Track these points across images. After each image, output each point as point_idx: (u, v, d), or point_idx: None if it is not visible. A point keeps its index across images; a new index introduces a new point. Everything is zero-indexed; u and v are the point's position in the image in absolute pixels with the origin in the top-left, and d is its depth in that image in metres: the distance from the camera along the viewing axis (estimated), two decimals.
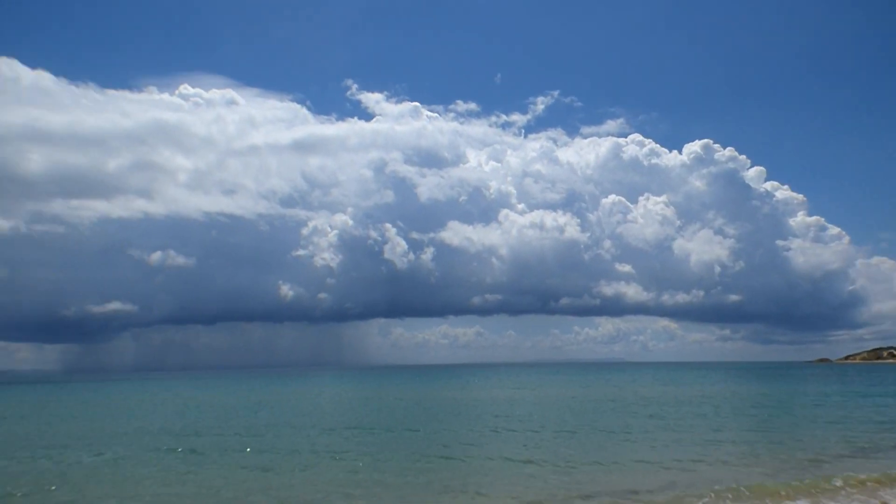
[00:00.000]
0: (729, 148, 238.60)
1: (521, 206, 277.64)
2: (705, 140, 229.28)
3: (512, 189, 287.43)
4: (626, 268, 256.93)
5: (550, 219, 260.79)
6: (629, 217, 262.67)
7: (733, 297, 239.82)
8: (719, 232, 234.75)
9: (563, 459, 19.05)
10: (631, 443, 22.62)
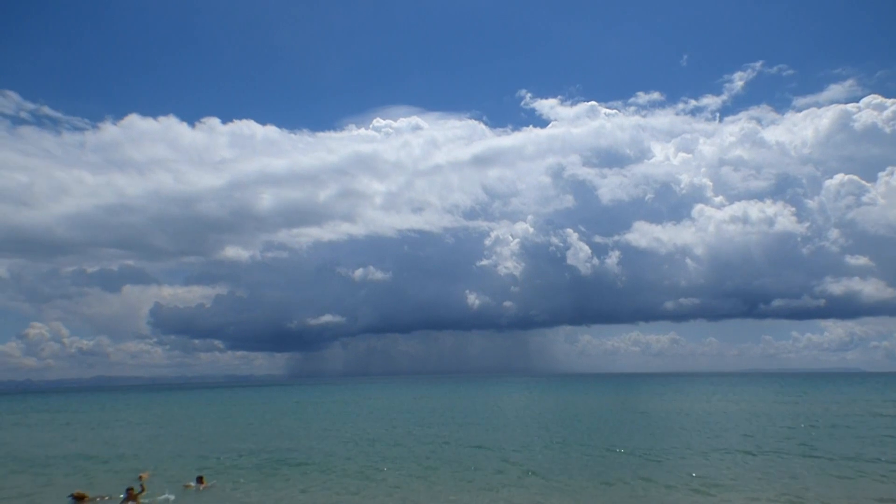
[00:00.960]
0: None
1: (718, 199, 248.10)
2: None
3: (706, 181, 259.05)
4: (862, 260, 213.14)
5: (756, 210, 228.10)
6: (865, 199, 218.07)
7: None
8: None
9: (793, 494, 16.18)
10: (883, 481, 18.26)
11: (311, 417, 46.24)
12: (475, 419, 40.67)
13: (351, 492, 17.66)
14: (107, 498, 17.62)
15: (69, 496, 17.36)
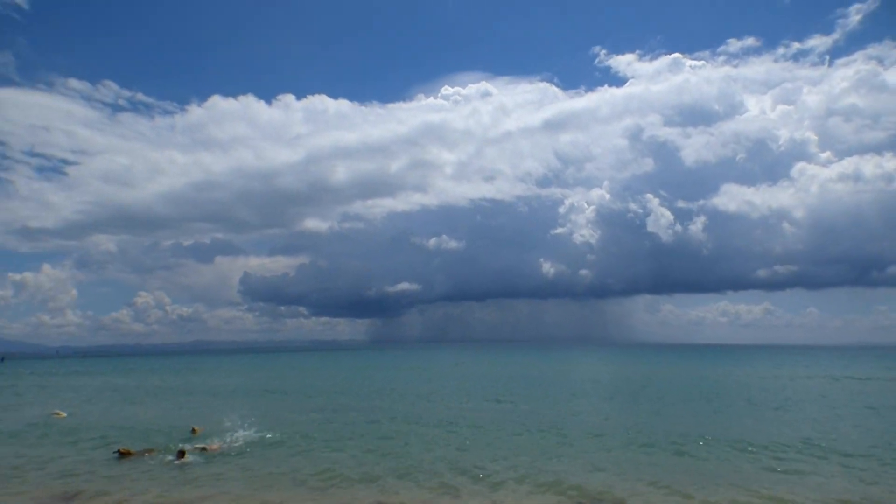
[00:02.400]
0: None
1: (824, 156, 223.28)
2: None
3: (810, 135, 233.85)
4: None
5: (871, 166, 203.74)
6: None
7: None
8: None
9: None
10: None
11: (398, 378, 47.13)
12: (562, 387, 39.47)
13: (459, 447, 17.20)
14: (152, 452, 17.91)
15: (115, 452, 17.73)
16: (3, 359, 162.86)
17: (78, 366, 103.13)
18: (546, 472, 14.66)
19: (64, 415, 28.69)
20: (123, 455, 17.16)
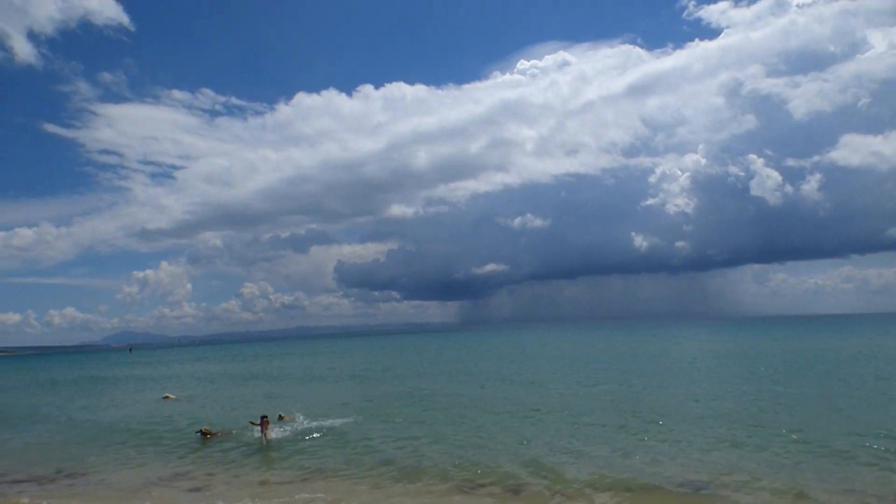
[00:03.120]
0: None
1: None
2: None
3: None
4: None
5: None
6: None
7: None
8: None
9: None
10: None
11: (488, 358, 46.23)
12: (663, 366, 36.47)
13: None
14: (232, 432, 18.24)
15: (197, 432, 18.19)
16: (131, 349, 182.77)
17: (194, 353, 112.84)
18: (645, 473, 12.24)
19: (174, 397, 30.61)
20: (205, 435, 17.59)
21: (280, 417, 20.48)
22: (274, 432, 17.29)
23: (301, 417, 20.37)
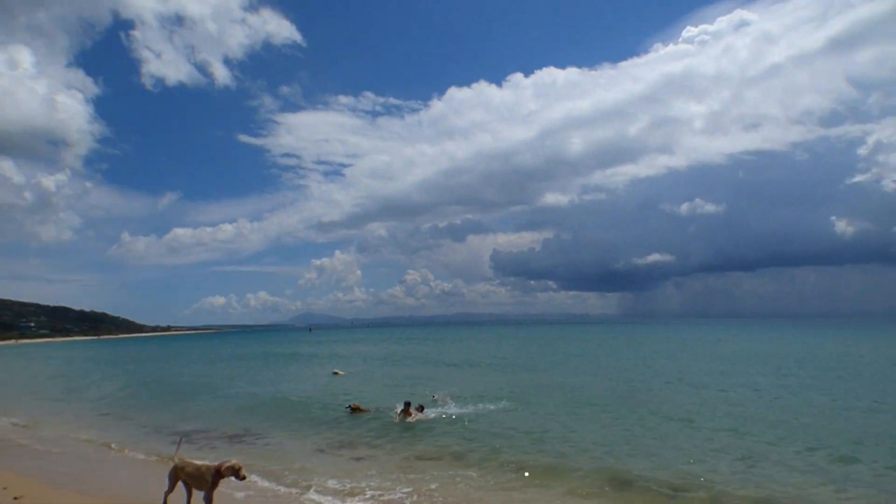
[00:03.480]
0: None
1: None
2: None
3: None
4: None
5: None
6: None
7: None
8: None
9: None
10: None
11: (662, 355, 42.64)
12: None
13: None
14: (380, 410, 18.65)
15: (346, 407, 18.77)
16: (311, 329, 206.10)
17: (362, 335, 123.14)
18: None
19: (342, 373, 33.29)
20: (354, 411, 18.42)
21: (434, 399, 20.73)
22: (419, 415, 17.47)
23: (450, 401, 20.44)
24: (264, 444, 15.51)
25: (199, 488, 8.92)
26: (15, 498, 10.13)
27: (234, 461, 8.73)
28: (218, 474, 8.66)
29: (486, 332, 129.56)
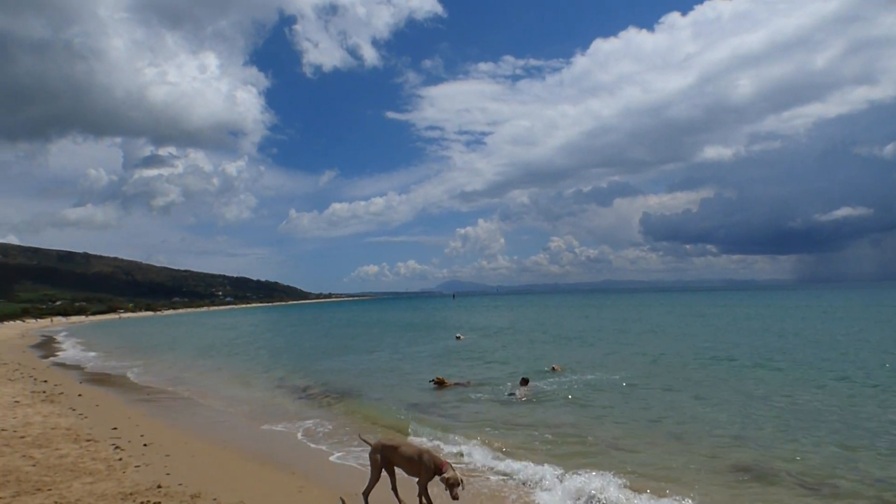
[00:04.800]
0: None
1: None
2: None
3: None
4: None
5: None
6: None
7: None
8: None
9: None
10: None
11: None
12: None
13: None
14: (466, 384, 17.33)
15: (430, 381, 17.44)
16: (454, 296, 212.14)
17: (503, 301, 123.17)
18: None
19: (463, 338, 32.99)
20: (438, 384, 17.17)
21: (553, 369, 19.14)
22: (523, 390, 15.56)
23: (568, 372, 18.59)
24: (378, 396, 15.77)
25: (413, 474, 7.46)
26: (145, 445, 10.80)
27: (457, 474, 7.04)
28: (439, 470, 7.10)
29: (635, 298, 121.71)
